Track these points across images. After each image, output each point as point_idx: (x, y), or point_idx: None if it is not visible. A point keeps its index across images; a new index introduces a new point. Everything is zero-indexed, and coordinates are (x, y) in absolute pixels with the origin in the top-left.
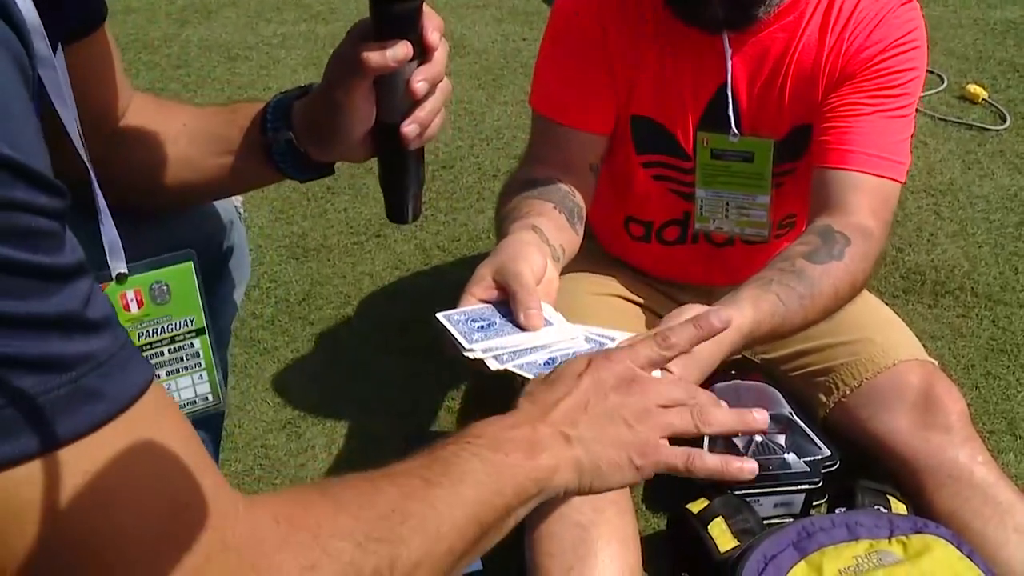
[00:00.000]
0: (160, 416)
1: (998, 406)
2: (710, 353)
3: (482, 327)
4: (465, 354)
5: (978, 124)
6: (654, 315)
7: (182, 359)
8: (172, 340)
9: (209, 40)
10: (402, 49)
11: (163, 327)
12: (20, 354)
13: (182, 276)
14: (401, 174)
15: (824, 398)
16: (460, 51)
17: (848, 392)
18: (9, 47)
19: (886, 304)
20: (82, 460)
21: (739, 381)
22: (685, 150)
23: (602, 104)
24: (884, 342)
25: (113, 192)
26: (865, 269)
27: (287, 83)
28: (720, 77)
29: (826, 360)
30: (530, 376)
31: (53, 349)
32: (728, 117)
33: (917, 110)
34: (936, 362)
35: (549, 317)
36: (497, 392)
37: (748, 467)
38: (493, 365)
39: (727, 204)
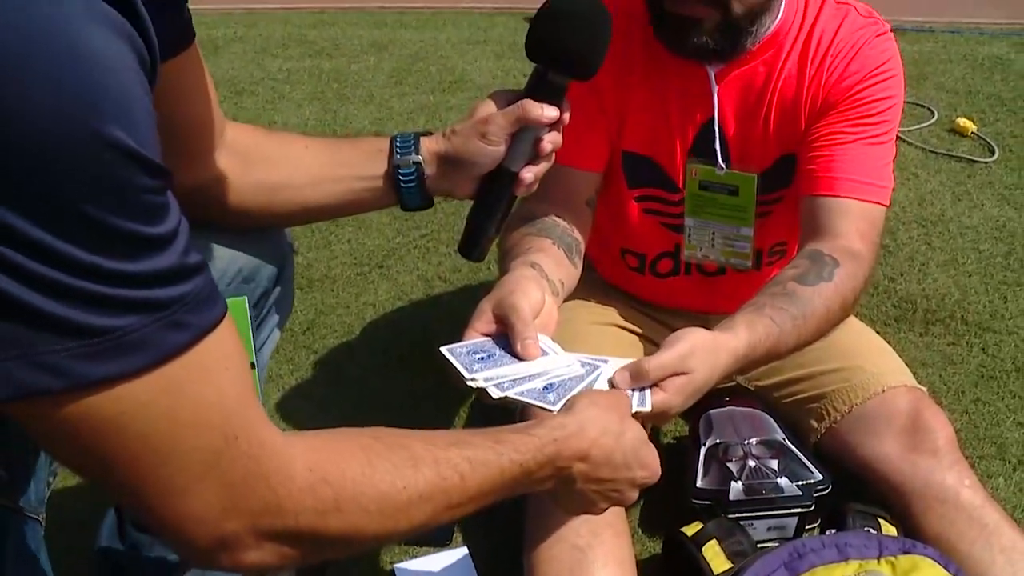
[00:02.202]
0: (225, 348)
1: (987, 432)
2: (705, 377)
3: (482, 358)
4: (467, 383)
5: (967, 156)
6: (651, 343)
7: None
8: None
9: (216, 75)
10: (554, 111)
11: None
12: (132, 298)
13: (236, 309)
14: (494, 215)
15: (816, 424)
16: (462, 86)
17: (839, 418)
18: (135, 45)
19: (878, 332)
20: (166, 380)
21: (733, 407)
22: (675, 182)
23: (595, 142)
24: (874, 369)
25: (224, 209)
26: (855, 288)
27: (292, 118)
28: (707, 111)
29: (817, 387)
30: (530, 402)
31: (156, 295)
32: (715, 150)
33: (909, 143)
34: (925, 388)
35: (546, 347)
36: (499, 420)
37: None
38: (495, 393)
39: (713, 234)
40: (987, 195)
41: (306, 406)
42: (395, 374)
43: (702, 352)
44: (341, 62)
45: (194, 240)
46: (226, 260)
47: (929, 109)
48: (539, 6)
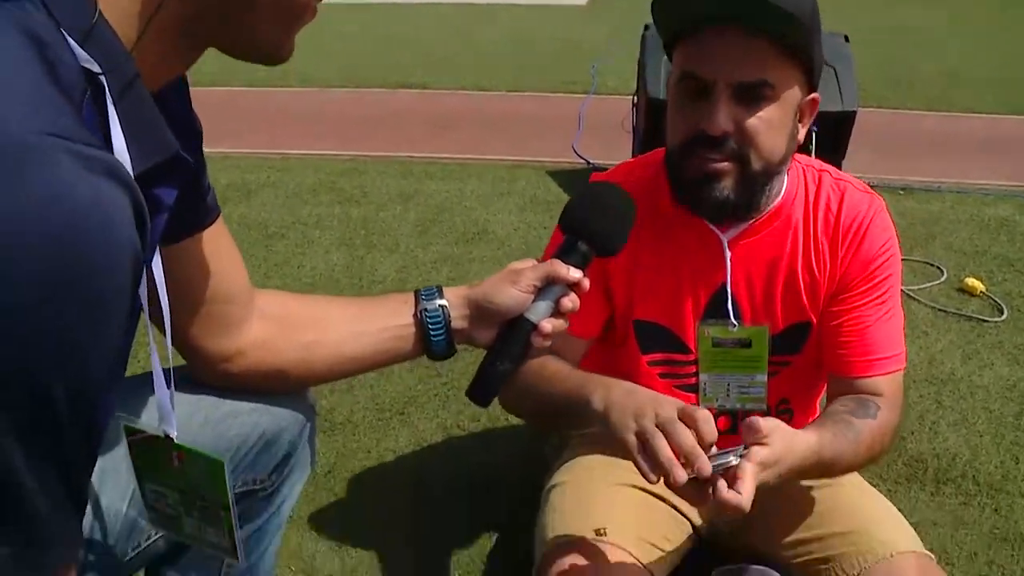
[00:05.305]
0: None
1: None
2: (782, 449)
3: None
4: None
5: (977, 316)
6: (668, 504)
7: (208, 519)
8: (202, 499)
9: (249, 218)
10: (579, 274)
11: (196, 488)
12: None
13: (214, 469)
14: (508, 362)
15: None
16: (484, 238)
17: None
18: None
19: (888, 491)
20: None
21: (745, 564)
22: (687, 344)
23: (592, 316)
24: (881, 533)
25: (263, 372)
26: (888, 434)
27: (320, 263)
28: (718, 277)
29: (826, 549)
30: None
31: None
32: (728, 311)
33: (919, 301)
34: (933, 555)
35: None
36: None
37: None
38: None
39: (728, 385)
40: (997, 355)
41: (323, 547)
42: (410, 521)
43: (780, 430)
44: (369, 209)
45: (218, 404)
46: (249, 425)
47: (939, 268)
48: (575, 193)
